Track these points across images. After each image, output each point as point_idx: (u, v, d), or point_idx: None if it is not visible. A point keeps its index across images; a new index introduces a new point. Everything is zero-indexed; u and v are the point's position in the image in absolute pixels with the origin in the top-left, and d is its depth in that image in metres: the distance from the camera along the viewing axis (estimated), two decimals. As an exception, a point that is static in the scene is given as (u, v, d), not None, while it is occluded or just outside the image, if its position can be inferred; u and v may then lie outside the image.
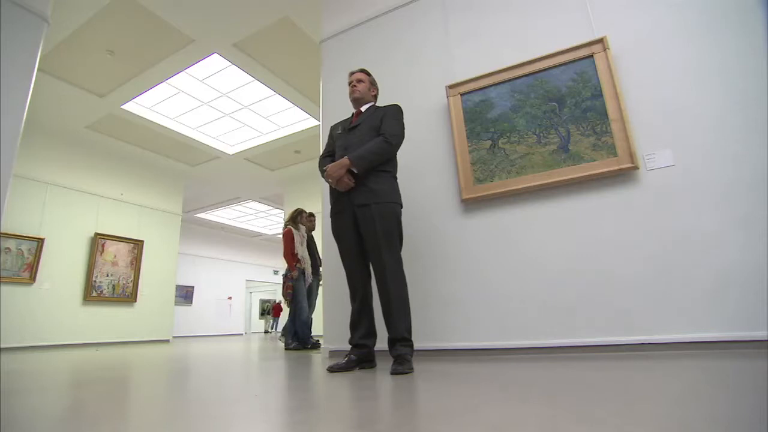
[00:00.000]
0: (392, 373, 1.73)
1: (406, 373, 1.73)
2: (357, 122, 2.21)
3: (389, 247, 1.97)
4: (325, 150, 2.33)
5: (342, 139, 2.20)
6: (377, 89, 2.40)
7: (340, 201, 2.11)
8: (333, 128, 2.36)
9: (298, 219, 4.38)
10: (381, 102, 2.44)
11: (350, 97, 2.31)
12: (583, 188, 2.26)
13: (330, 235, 2.31)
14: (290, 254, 4.11)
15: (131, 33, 4.44)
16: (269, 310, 16.08)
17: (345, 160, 2.00)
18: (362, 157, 2.00)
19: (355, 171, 2.00)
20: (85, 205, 6.55)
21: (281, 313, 15.39)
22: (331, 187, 2.13)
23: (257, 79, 5.29)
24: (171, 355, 3.79)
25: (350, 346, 2.04)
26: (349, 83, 2.32)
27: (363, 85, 2.31)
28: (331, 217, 2.19)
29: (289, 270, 4.12)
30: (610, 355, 1.95)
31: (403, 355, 1.85)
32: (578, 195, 2.27)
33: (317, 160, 2.36)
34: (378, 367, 2.03)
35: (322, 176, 2.18)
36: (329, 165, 2.06)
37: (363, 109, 2.29)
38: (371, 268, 2.07)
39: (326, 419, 1.01)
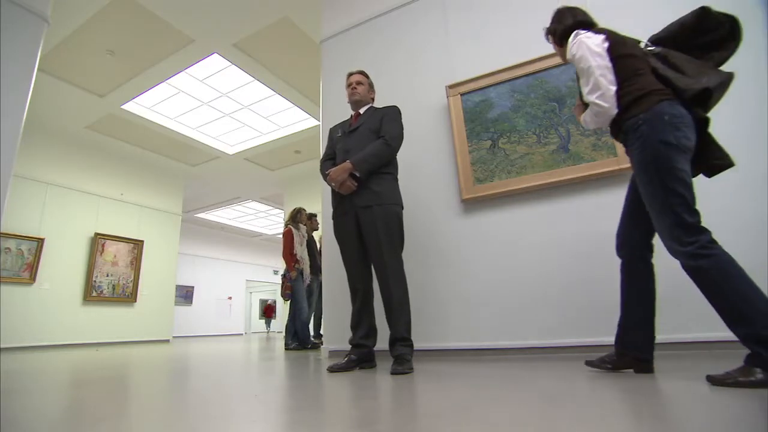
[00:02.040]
0: (392, 373, 1.73)
1: (406, 373, 1.73)
2: (357, 125, 2.21)
3: (391, 247, 1.99)
4: (325, 153, 2.33)
5: (342, 142, 2.21)
6: (374, 91, 2.41)
7: (342, 203, 2.11)
8: (332, 130, 2.36)
9: (298, 218, 4.38)
10: (380, 102, 2.44)
11: (350, 99, 2.31)
12: (583, 188, 2.26)
13: (331, 236, 2.31)
14: (289, 254, 4.10)
15: (131, 33, 4.44)
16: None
17: (347, 164, 2.01)
18: (364, 160, 2.01)
19: (358, 175, 2.01)
20: (85, 205, 6.55)
21: (273, 314, 15.40)
22: (333, 189, 2.14)
23: (257, 79, 5.29)
24: (171, 355, 3.78)
25: (350, 346, 2.04)
26: (348, 85, 2.31)
27: (362, 87, 2.31)
28: (333, 219, 2.20)
29: (287, 270, 4.11)
30: (610, 355, 1.94)
31: (402, 355, 1.86)
32: (578, 195, 2.27)
33: (317, 160, 2.37)
34: (378, 367, 2.03)
35: (324, 179, 2.18)
36: (331, 169, 2.06)
37: (362, 111, 2.30)
38: (372, 268, 2.08)
39: (326, 419, 1.01)
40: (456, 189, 2.61)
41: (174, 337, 7.63)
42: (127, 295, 6.80)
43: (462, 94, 2.68)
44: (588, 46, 1.41)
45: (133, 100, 5.68)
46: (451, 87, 2.71)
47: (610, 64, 1.37)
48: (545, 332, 2.19)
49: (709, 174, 1.38)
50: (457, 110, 2.67)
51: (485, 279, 2.40)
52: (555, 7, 2.55)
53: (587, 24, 1.56)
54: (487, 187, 2.48)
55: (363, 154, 2.03)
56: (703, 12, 1.33)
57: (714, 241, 1.20)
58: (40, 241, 5.78)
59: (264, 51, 4.78)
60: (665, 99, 1.29)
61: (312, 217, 4.66)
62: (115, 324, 6.55)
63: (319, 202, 3.16)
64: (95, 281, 6.41)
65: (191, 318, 11.25)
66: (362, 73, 2.37)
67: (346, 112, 2.47)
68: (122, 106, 5.81)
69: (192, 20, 4.28)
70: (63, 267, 6.07)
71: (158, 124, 6.31)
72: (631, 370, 1.45)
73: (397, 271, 1.99)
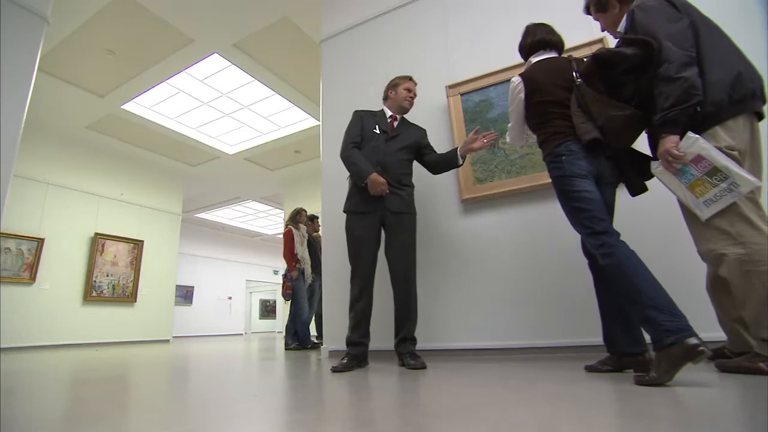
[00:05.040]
0: (412, 368, 1.86)
1: (425, 367, 1.86)
2: (396, 132, 2.27)
3: (415, 254, 2.14)
4: (352, 138, 2.21)
5: (378, 141, 2.21)
6: None
7: (368, 203, 2.12)
8: (364, 118, 2.29)
9: (298, 218, 4.38)
10: (379, 104, 2.45)
11: (403, 104, 2.31)
12: (583, 188, 2.26)
13: (332, 235, 2.30)
14: (290, 254, 4.10)
15: (131, 33, 4.44)
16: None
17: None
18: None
19: (461, 163, 2.20)
20: (85, 205, 6.55)
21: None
22: (356, 184, 2.16)
23: (257, 79, 5.29)
24: (171, 355, 3.79)
25: (348, 345, 2.06)
26: (408, 89, 2.31)
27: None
28: (351, 213, 2.18)
29: (288, 270, 4.11)
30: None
31: (414, 351, 2.01)
32: (578, 195, 2.27)
33: (317, 160, 2.37)
34: (376, 367, 2.03)
35: (346, 163, 2.17)
36: (378, 177, 2.05)
37: (397, 116, 2.33)
38: (392, 270, 2.13)
39: (326, 419, 1.01)
40: (456, 189, 2.60)
41: (174, 337, 7.62)
42: (127, 295, 6.80)
43: (462, 94, 2.68)
44: (510, 90, 1.75)
45: (133, 100, 5.68)
46: (451, 87, 2.71)
47: (519, 110, 1.72)
48: (546, 332, 2.18)
49: (632, 194, 1.59)
50: (457, 110, 2.67)
51: (485, 279, 2.40)
52: (555, 6, 2.56)
53: (536, 48, 1.81)
54: (487, 187, 2.48)
55: (443, 163, 2.25)
56: (595, 58, 1.47)
57: (617, 241, 1.38)
58: (40, 241, 5.78)
59: (264, 51, 4.78)
60: (563, 141, 1.54)
61: (314, 218, 4.66)
62: (115, 324, 6.54)
63: (319, 202, 3.16)
64: (95, 281, 6.40)
65: (191, 318, 11.23)
66: None
67: (346, 112, 2.46)
68: (122, 106, 5.81)
69: (192, 20, 4.28)
70: (63, 267, 6.06)
71: (158, 124, 6.31)
72: (632, 370, 1.45)
73: (415, 274, 2.12)
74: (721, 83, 1.32)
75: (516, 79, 1.73)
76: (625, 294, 1.31)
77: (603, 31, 1.72)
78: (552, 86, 1.62)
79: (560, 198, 1.58)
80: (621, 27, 1.53)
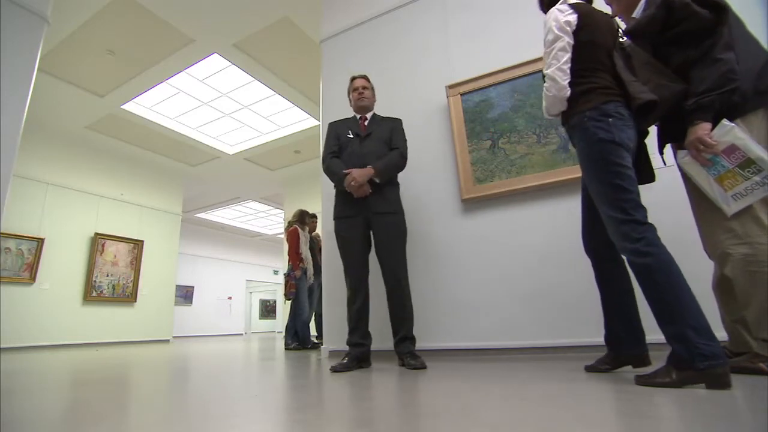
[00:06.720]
0: (412, 368, 1.85)
1: (425, 367, 1.86)
2: (368, 131, 2.25)
3: (404, 252, 2.13)
4: (330, 149, 2.27)
5: (353, 145, 2.22)
6: (375, 96, 2.45)
7: (352, 206, 2.14)
8: (338, 127, 2.34)
9: (306, 219, 4.38)
10: (380, 103, 2.45)
11: (357, 104, 2.32)
12: (583, 188, 2.26)
13: (332, 236, 2.30)
14: (295, 253, 4.11)
15: (131, 33, 4.44)
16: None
17: (370, 170, 2.06)
18: (386, 170, 2.11)
19: (378, 181, 2.09)
20: (85, 205, 6.55)
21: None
22: (339, 189, 2.17)
23: (257, 79, 5.29)
24: (171, 355, 3.78)
25: (348, 346, 2.06)
26: (354, 89, 2.33)
27: (369, 92, 2.35)
28: (338, 219, 2.20)
29: (291, 269, 4.11)
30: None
31: (414, 351, 2.00)
32: (578, 195, 2.26)
33: (317, 160, 2.38)
34: (376, 367, 2.03)
35: (328, 175, 2.20)
36: (354, 170, 2.06)
37: (368, 116, 2.33)
38: (382, 270, 2.13)
39: (326, 419, 1.01)
40: (456, 189, 2.60)
41: (174, 337, 7.62)
42: (127, 295, 6.80)
43: (462, 94, 2.68)
44: (550, 20, 1.39)
45: (133, 100, 5.68)
46: (451, 87, 2.71)
47: (567, 46, 1.34)
48: (545, 332, 2.18)
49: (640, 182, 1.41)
50: (457, 110, 2.67)
51: (485, 278, 2.40)
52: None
53: None
54: (487, 187, 2.48)
55: (384, 164, 2.11)
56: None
57: (657, 239, 1.21)
58: (40, 241, 5.78)
59: (264, 51, 4.78)
60: (612, 100, 1.30)
61: (312, 217, 4.65)
62: (115, 324, 6.54)
63: (319, 202, 3.16)
64: (95, 281, 6.40)
65: (191, 318, 11.23)
66: (366, 77, 2.40)
67: (346, 112, 2.47)
68: (122, 106, 5.81)
69: (192, 20, 4.28)
70: (63, 267, 6.06)
71: (158, 124, 6.31)
72: (630, 368, 1.46)
73: (406, 274, 2.12)
74: (749, 73, 1.26)
75: (564, 7, 1.38)
76: (663, 305, 1.16)
77: (614, 16, 1.56)
78: (605, 30, 1.37)
79: (596, 167, 1.30)
80: (637, 12, 1.41)
